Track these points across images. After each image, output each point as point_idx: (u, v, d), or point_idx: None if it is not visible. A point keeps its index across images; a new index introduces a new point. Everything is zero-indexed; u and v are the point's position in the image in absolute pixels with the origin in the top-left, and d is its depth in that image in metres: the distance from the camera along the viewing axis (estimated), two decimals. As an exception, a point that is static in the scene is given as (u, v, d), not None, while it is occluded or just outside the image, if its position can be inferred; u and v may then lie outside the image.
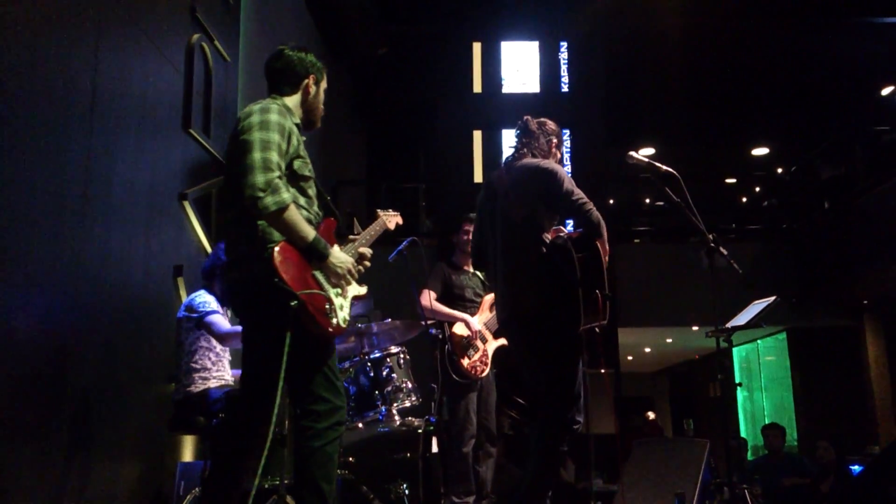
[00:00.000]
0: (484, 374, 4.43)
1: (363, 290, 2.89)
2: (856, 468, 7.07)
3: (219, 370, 3.68)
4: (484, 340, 4.49)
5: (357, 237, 3.06)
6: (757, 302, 4.16)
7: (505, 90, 12.69)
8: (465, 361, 4.33)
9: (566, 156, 11.57)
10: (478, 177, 12.22)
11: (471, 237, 4.02)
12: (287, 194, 2.48)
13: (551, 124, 3.55)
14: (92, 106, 3.47)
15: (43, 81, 3.11)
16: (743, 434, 12.02)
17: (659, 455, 4.65)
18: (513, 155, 3.52)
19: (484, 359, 4.44)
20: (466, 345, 4.37)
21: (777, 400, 12.10)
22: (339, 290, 2.68)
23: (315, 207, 2.72)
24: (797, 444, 10.79)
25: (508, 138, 12.44)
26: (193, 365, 3.60)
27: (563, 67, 12.62)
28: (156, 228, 4.13)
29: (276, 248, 2.45)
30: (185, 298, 4.20)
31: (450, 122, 11.79)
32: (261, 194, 2.41)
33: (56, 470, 3.16)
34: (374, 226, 3.30)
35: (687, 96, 12.59)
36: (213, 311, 3.64)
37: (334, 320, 2.59)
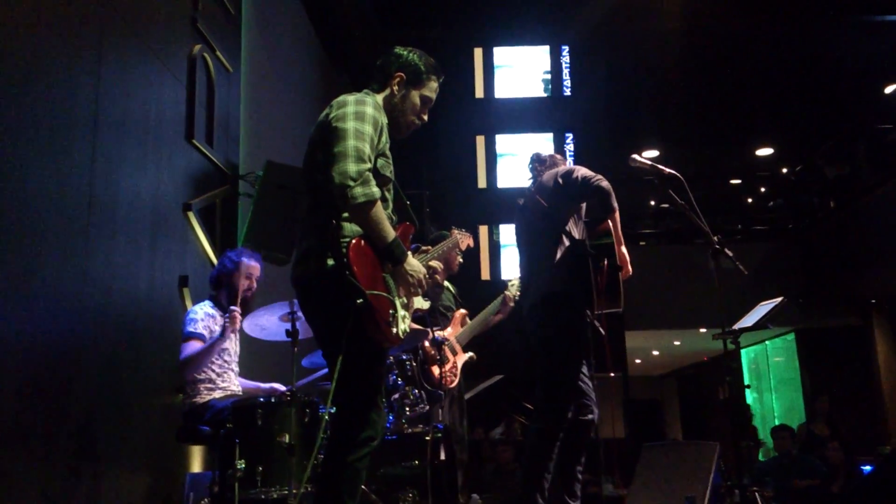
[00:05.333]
0: (453, 385, 4.49)
1: (426, 304, 2.71)
2: (866, 468, 7.03)
3: (224, 381, 3.66)
4: (454, 353, 4.54)
5: (429, 249, 2.91)
6: (764, 303, 4.13)
7: (507, 95, 12.69)
8: (436, 371, 4.35)
9: (570, 160, 11.56)
10: (481, 182, 12.21)
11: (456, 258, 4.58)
12: (377, 189, 2.36)
13: (559, 157, 3.79)
14: (95, 118, 3.47)
15: (46, 94, 3.12)
16: (752, 436, 11.96)
17: (669, 458, 4.62)
18: (532, 183, 3.70)
19: (454, 370, 4.51)
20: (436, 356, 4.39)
21: (787, 401, 12.04)
22: (405, 300, 2.54)
23: (389, 210, 2.60)
24: (807, 445, 10.72)
25: (510, 143, 12.44)
26: (198, 376, 3.59)
27: (566, 71, 12.62)
28: (161, 239, 4.14)
29: (353, 241, 2.36)
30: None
31: (452, 127, 11.79)
32: (351, 183, 2.30)
33: (63, 482, 3.15)
34: (446, 242, 3.24)
35: (689, 97, 12.58)
36: (192, 334, 3.58)
37: (394, 329, 2.42)
